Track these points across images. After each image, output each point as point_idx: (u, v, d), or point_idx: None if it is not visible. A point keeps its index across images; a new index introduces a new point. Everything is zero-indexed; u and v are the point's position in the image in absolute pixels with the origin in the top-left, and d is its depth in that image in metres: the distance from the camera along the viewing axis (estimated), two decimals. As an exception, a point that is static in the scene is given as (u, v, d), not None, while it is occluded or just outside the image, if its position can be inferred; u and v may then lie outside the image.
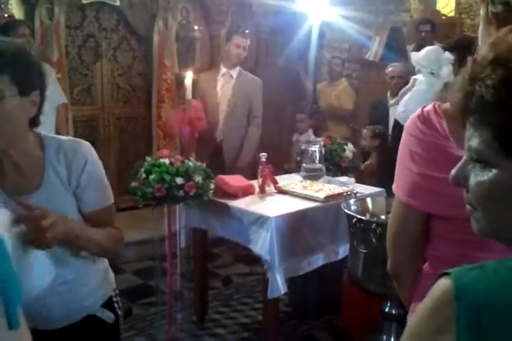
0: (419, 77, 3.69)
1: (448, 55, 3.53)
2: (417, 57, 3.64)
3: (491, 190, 0.69)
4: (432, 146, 1.10)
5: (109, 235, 1.49)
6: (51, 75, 3.90)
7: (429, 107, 1.14)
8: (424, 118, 1.13)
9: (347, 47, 5.98)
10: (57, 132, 3.91)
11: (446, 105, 1.12)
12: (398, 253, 1.23)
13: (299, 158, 3.44)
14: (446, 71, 3.55)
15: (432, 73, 3.57)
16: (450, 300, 0.63)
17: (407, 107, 3.67)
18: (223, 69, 4.06)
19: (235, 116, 4.03)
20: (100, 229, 1.47)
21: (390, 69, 4.33)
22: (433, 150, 1.10)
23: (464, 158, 0.74)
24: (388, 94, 4.41)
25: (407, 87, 3.84)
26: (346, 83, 5.41)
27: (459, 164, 0.75)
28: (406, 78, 4.36)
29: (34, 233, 1.18)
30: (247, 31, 4.92)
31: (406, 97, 3.76)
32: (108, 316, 1.58)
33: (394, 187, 1.21)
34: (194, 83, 3.71)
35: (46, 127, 4.14)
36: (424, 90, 3.62)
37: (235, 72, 4.05)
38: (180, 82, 3.95)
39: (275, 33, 5.76)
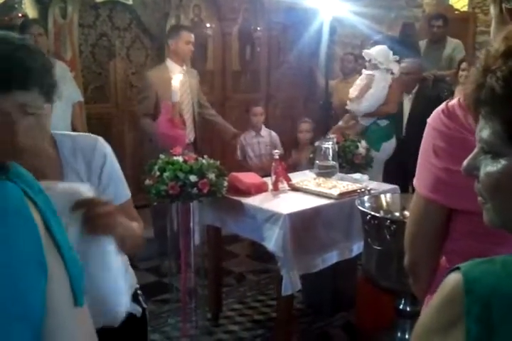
0: (375, 72, 4.11)
1: (392, 55, 4.09)
2: (371, 54, 4.09)
3: (499, 181, 0.70)
4: (456, 140, 1.08)
5: (139, 234, 1.45)
6: (67, 74, 3.94)
7: (453, 101, 1.12)
8: (448, 113, 1.11)
9: (359, 43, 5.96)
10: (73, 129, 3.96)
11: None
12: (417, 249, 1.22)
13: (311, 155, 3.44)
14: (397, 68, 4.09)
15: (386, 69, 4.07)
16: (460, 294, 0.64)
17: (371, 102, 4.11)
18: (176, 67, 3.81)
19: (200, 114, 4.02)
20: (135, 224, 1.43)
21: (404, 65, 4.30)
22: (457, 144, 1.08)
23: (476, 148, 0.75)
24: (401, 90, 4.39)
25: (366, 82, 4.15)
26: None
27: (471, 154, 0.76)
28: (419, 74, 4.35)
29: (96, 218, 1.16)
30: (208, 25, 4.97)
31: (370, 92, 4.11)
32: (136, 310, 1.55)
33: (415, 181, 1.19)
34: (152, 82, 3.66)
35: (62, 124, 4.16)
36: (383, 86, 4.10)
37: (185, 69, 3.92)
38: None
39: (287, 29, 5.75)
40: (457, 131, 1.09)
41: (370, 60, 4.12)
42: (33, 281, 0.72)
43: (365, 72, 4.22)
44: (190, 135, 3.90)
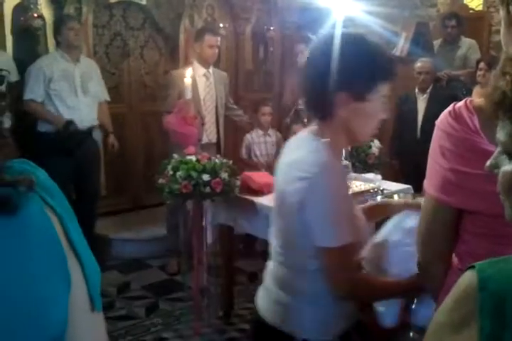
0: None
1: None
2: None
3: (510, 180, 0.72)
4: (462, 142, 1.10)
5: None
6: (95, 71, 3.99)
7: (460, 103, 1.14)
8: (455, 114, 1.13)
9: (373, 42, 5.93)
10: (103, 127, 4.03)
11: (478, 101, 1.13)
12: (428, 249, 1.23)
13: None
14: None
15: None
16: (474, 292, 0.65)
17: None
18: (201, 69, 3.94)
19: (222, 116, 4.08)
20: None
21: (419, 64, 4.29)
22: (463, 145, 1.10)
23: (498, 148, 0.77)
24: (416, 89, 4.37)
25: None
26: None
27: (494, 154, 0.77)
28: (433, 74, 4.33)
29: None
30: (222, 25, 5.03)
31: None
32: None
33: (425, 183, 1.21)
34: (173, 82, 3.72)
35: (88, 119, 4.20)
36: None
37: (211, 71, 4.00)
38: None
39: (300, 29, 5.74)
40: (463, 133, 1.10)
41: None
42: (59, 296, 0.72)
43: None
44: (210, 136, 3.98)
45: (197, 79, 3.82)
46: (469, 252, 1.16)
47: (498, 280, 0.64)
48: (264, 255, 4.47)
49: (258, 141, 4.24)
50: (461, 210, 1.15)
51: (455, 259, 1.22)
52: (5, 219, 0.66)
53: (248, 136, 4.26)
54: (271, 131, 4.31)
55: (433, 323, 0.72)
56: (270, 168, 3.79)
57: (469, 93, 4.09)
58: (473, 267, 0.68)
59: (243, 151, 4.24)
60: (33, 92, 3.61)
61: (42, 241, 0.71)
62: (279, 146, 4.22)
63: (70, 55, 3.75)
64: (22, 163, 0.74)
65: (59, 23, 3.79)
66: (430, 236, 1.22)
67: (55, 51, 3.84)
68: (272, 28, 5.60)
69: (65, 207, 0.77)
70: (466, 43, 4.81)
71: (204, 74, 3.95)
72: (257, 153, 4.23)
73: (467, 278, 0.67)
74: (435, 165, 1.16)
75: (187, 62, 4.86)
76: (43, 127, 3.69)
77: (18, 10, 3.98)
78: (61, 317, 0.72)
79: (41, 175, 0.75)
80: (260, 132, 4.25)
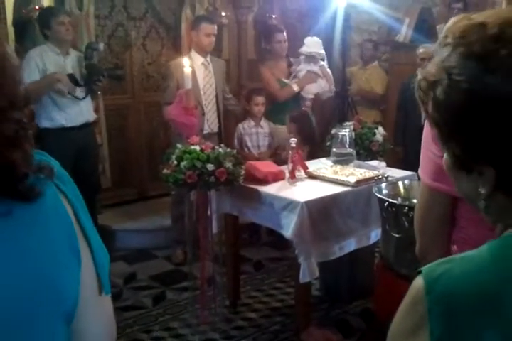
0: (321, 62, 4.44)
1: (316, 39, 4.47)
2: (320, 52, 4.37)
3: (446, 167, 0.78)
4: None
5: None
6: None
7: None
8: None
9: (375, 29, 5.89)
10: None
11: None
12: (425, 236, 1.24)
13: (328, 143, 3.42)
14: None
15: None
16: (422, 296, 0.66)
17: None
18: (199, 58, 3.90)
19: (221, 105, 4.04)
20: None
21: (422, 50, 4.25)
22: None
23: None
24: (419, 76, 4.34)
25: (325, 71, 4.45)
26: (377, 66, 5.35)
27: None
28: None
29: None
30: (223, 14, 4.98)
31: (330, 76, 4.50)
32: None
33: (419, 170, 1.22)
34: (173, 72, 3.72)
35: (90, 114, 4.15)
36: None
37: (209, 59, 3.97)
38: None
39: (302, 16, 5.70)
40: None
41: (317, 55, 4.35)
42: (72, 274, 0.76)
43: (316, 64, 4.39)
44: (212, 125, 3.96)
45: (195, 69, 3.79)
46: (467, 239, 1.17)
47: (442, 283, 0.65)
48: (269, 244, 4.51)
49: (250, 131, 4.21)
50: (455, 197, 1.15)
51: (453, 247, 1.22)
52: (26, 205, 0.70)
53: (240, 126, 4.23)
54: (263, 122, 4.24)
55: (390, 330, 0.73)
56: (259, 160, 3.78)
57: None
58: (420, 272, 0.68)
59: (235, 141, 4.21)
60: (29, 78, 3.42)
61: (57, 224, 0.75)
62: (272, 138, 4.20)
63: (60, 48, 3.63)
64: (38, 154, 0.77)
65: (47, 16, 3.62)
66: (427, 224, 1.22)
67: (43, 45, 3.64)
68: (274, 16, 5.55)
69: (76, 195, 0.81)
70: (471, 28, 4.77)
71: (202, 63, 3.93)
72: (249, 144, 4.20)
73: (416, 284, 0.68)
74: (427, 152, 1.17)
75: (189, 52, 4.84)
76: (42, 124, 3.58)
77: (19, 2, 3.96)
78: (73, 292, 0.76)
79: (55, 164, 0.79)
80: (252, 123, 4.21)
